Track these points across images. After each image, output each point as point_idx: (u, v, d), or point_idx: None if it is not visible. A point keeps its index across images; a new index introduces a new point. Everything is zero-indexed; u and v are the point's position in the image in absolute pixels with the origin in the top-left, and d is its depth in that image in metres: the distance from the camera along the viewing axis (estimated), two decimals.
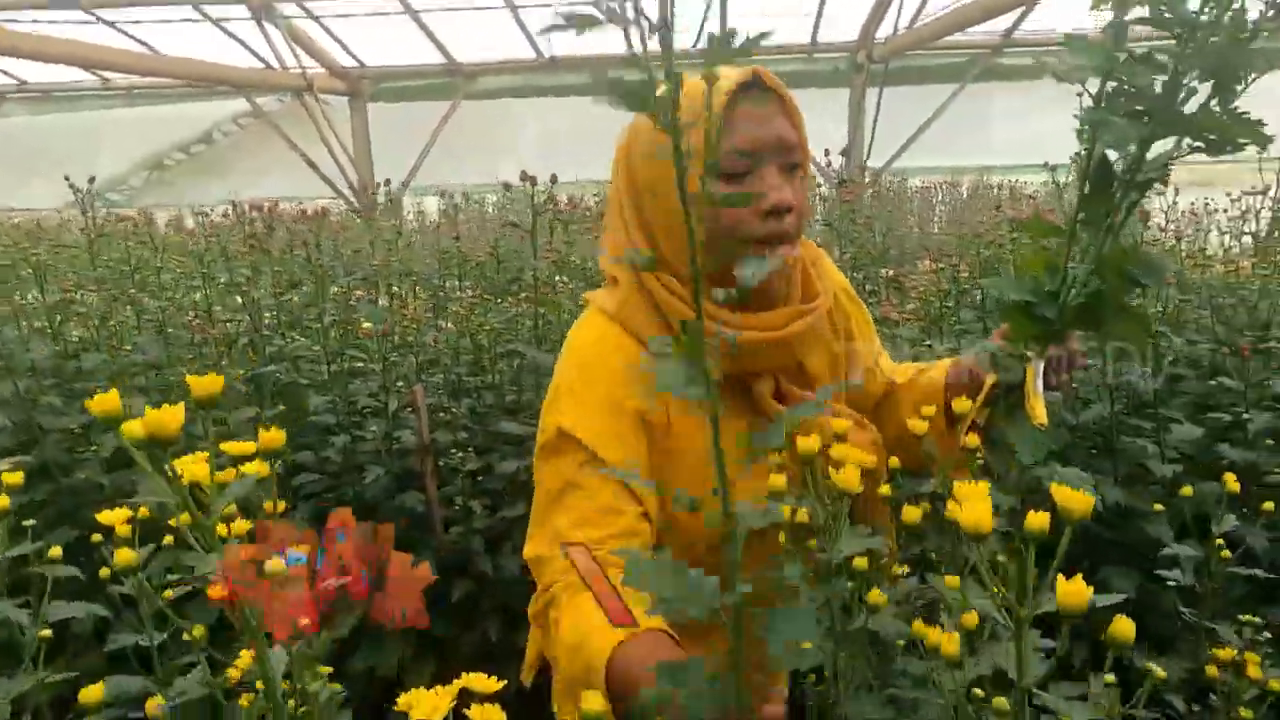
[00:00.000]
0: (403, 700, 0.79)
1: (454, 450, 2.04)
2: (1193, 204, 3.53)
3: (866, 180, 5.35)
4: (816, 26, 7.26)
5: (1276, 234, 2.57)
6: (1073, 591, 0.50)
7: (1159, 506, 1.61)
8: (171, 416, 0.56)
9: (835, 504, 0.76)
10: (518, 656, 1.52)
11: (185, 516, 0.59)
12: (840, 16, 7.06)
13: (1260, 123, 0.83)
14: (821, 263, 1.09)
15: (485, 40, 7.32)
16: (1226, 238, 2.70)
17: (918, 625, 0.69)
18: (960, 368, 1.10)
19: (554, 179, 2.98)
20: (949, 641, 0.62)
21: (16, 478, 0.97)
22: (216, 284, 2.25)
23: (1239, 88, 0.82)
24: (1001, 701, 0.59)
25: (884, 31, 7.04)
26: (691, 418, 0.94)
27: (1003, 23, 7.06)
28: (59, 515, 2.08)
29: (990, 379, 0.98)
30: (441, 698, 0.78)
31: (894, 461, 0.97)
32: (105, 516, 1.07)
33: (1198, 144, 0.85)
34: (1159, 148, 0.89)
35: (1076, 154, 0.93)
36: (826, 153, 4.83)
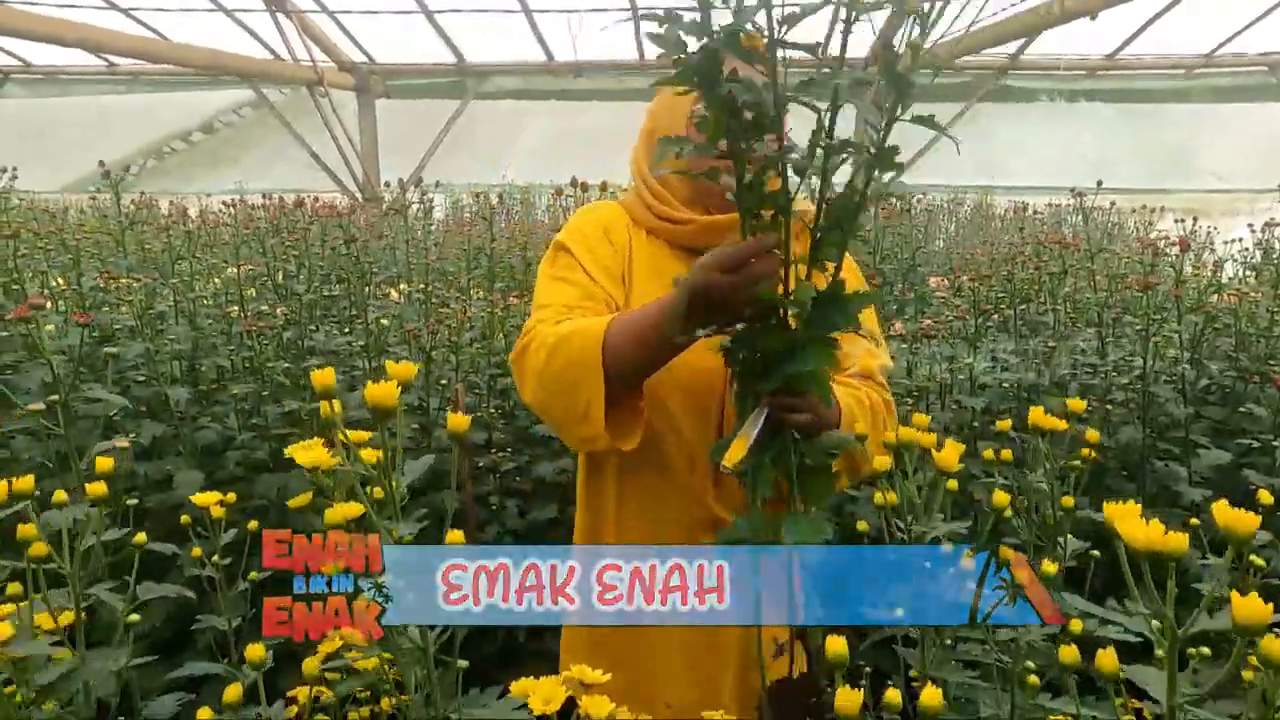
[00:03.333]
0: (517, 687, 0.81)
1: (490, 449, 2.05)
2: (1192, 229, 3.59)
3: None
4: (825, 44, 7.35)
5: None
6: (1252, 610, 0.51)
7: (1195, 521, 1.64)
8: (388, 392, 0.60)
9: None
10: (544, 658, 1.53)
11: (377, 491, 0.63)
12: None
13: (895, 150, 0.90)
14: None
15: (497, 41, 7.33)
16: (1242, 268, 2.76)
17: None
18: None
19: (578, 183, 3.00)
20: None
21: (108, 463, 0.98)
22: (255, 277, 2.24)
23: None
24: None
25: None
26: (650, 281, 1.22)
27: (1009, 45, 7.16)
28: None
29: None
30: (556, 687, 0.81)
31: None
32: (199, 499, 1.09)
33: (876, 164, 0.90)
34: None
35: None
36: None
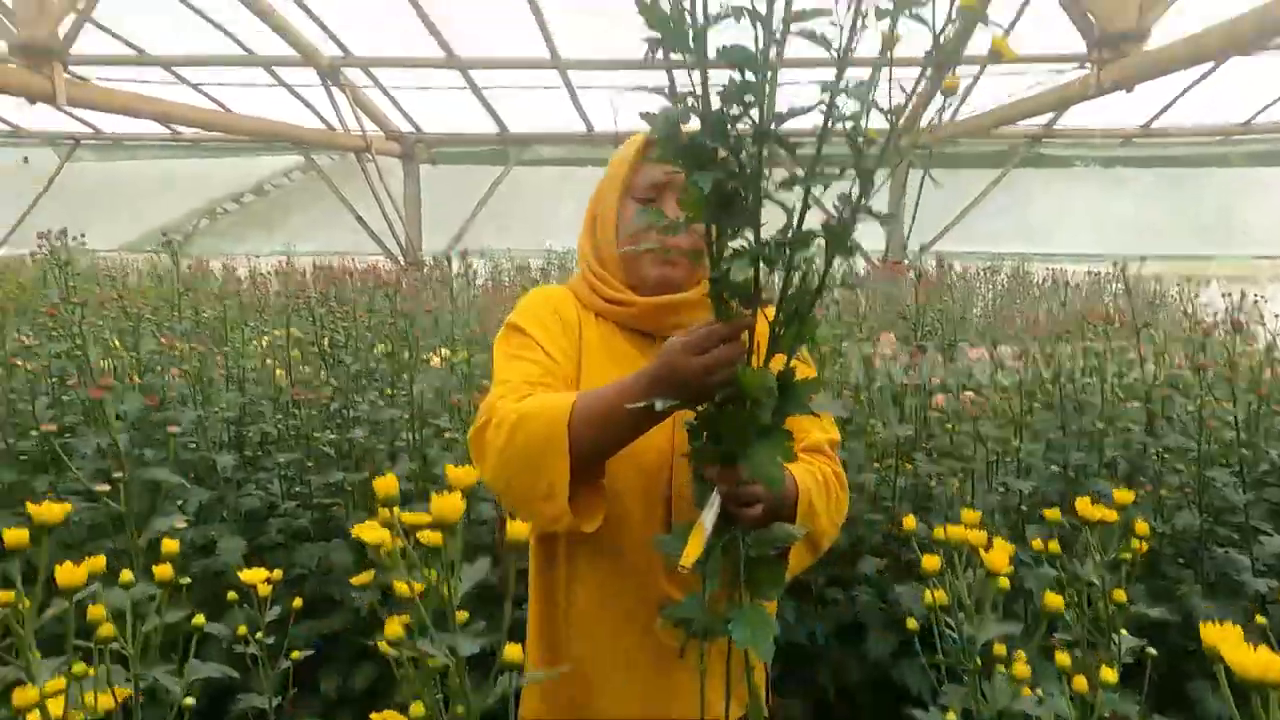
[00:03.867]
0: None
1: None
2: (1240, 299, 3.52)
3: (907, 263, 5.42)
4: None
5: None
6: None
7: (1261, 619, 1.56)
8: (452, 506, 0.61)
9: None
10: None
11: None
12: (884, 100, 7.27)
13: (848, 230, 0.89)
14: None
15: (539, 113, 7.58)
16: None
17: None
18: None
19: None
20: None
21: (174, 545, 1.00)
22: (303, 343, 2.30)
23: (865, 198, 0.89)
24: None
25: (927, 118, 7.22)
26: (601, 360, 1.26)
27: (1042, 116, 7.20)
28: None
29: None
30: None
31: None
32: (246, 576, 1.10)
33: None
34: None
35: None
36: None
